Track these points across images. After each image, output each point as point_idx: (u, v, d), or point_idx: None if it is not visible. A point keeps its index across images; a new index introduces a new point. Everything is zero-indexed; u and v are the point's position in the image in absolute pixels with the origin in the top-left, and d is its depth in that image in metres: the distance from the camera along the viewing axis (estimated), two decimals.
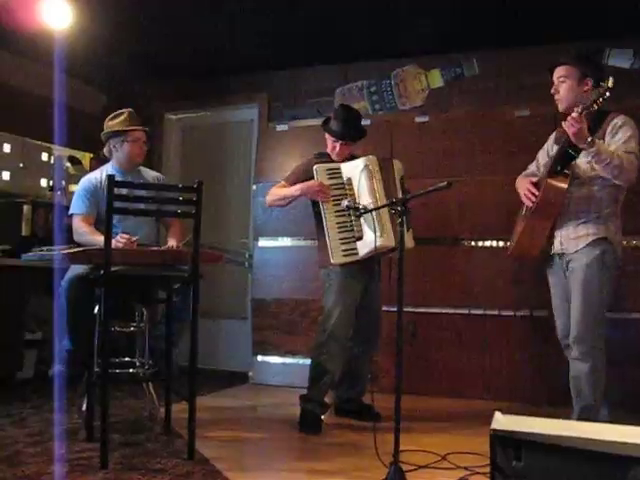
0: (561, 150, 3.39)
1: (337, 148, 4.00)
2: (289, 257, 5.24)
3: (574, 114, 3.12)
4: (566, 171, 3.34)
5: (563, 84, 3.39)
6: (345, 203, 3.63)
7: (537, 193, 3.42)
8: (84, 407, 3.59)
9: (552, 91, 3.43)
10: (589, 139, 3.13)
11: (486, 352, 4.72)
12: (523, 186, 3.56)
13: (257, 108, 5.83)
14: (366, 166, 3.76)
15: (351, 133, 4.01)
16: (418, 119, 5.10)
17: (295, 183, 3.94)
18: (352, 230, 3.76)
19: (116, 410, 4.07)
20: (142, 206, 3.45)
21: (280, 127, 5.46)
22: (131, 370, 3.89)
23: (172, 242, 3.90)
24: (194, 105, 6.07)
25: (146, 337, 3.87)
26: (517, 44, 4.83)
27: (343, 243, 3.74)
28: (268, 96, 5.74)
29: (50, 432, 3.55)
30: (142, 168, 4.14)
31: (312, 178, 3.84)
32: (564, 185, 3.31)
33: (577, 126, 3.10)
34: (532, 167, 3.76)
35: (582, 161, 3.33)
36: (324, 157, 4.07)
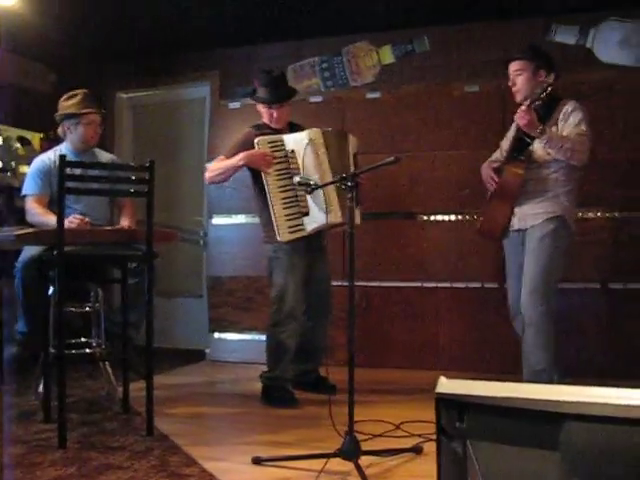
0: (516, 138, 3.65)
1: (274, 114, 3.94)
2: (243, 234, 5.26)
3: (523, 107, 3.44)
4: (522, 157, 3.59)
5: (519, 77, 3.66)
6: (297, 179, 3.57)
7: (497, 179, 3.68)
8: (40, 388, 3.59)
9: (509, 83, 3.70)
10: (539, 128, 3.42)
11: (439, 324, 4.83)
12: (485, 172, 3.83)
13: (209, 86, 5.79)
14: (311, 140, 3.75)
15: (282, 93, 3.96)
16: (369, 95, 5.15)
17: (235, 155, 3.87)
18: (297, 206, 3.74)
19: (73, 390, 4.08)
20: (95, 186, 3.46)
21: (232, 105, 5.47)
22: (87, 350, 3.89)
23: (125, 222, 3.90)
24: (145, 83, 6.01)
25: (102, 317, 3.87)
26: (467, 20, 4.89)
27: (289, 219, 3.73)
28: (220, 73, 5.70)
29: (6, 414, 3.56)
30: (96, 150, 4.12)
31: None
32: (520, 171, 3.57)
33: (527, 117, 3.41)
34: (496, 154, 3.96)
35: (538, 147, 3.56)
36: (263, 129, 3.99)
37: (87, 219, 3.68)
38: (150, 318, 3.25)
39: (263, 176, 3.77)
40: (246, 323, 5.27)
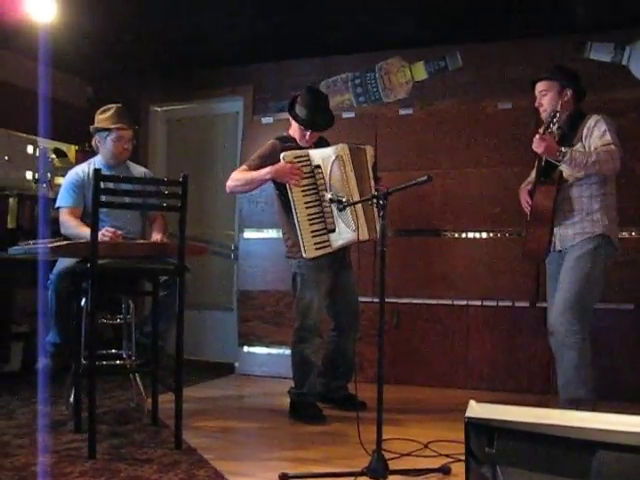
0: (540, 162, 3.63)
1: (307, 137, 3.94)
2: (274, 248, 5.25)
3: (537, 135, 3.45)
4: (550, 179, 3.58)
5: (545, 97, 3.66)
6: (328, 196, 3.60)
7: (530, 202, 3.67)
8: (71, 399, 3.63)
9: (536, 104, 3.70)
10: (559, 151, 3.42)
11: (469, 342, 4.80)
12: (521, 195, 3.82)
13: (242, 100, 5.84)
14: (338, 156, 3.74)
15: (323, 121, 3.95)
16: (402, 111, 5.15)
17: (259, 169, 3.85)
18: (324, 222, 3.74)
19: (103, 402, 4.12)
20: (128, 200, 3.50)
21: (265, 120, 5.50)
22: (118, 362, 3.93)
23: (157, 236, 3.95)
24: (180, 97, 6.07)
25: (133, 329, 3.91)
26: (500, 37, 4.89)
27: (315, 235, 3.73)
28: (253, 88, 5.75)
29: (38, 424, 3.60)
30: (130, 163, 4.18)
31: (276, 162, 3.79)
32: (549, 194, 3.57)
33: (543, 145, 3.42)
34: (532, 174, 3.88)
35: (565, 166, 3.53)
36: (289, 142, 3.98)
37: (120, 232, 3.72)
38: (180, 330, 3.27)
39: (289, 191, 3.76)
40: (275, 337, 5.28)
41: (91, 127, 4.00)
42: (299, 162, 3.77)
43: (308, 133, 3.93)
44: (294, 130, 4.00)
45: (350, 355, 4.11)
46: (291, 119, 4.00)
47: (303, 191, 3.75)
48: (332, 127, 4.03)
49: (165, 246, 3.61)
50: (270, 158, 3.85)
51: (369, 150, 3.97)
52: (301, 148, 3.91)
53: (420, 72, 5.26)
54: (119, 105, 4.01)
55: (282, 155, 3.77)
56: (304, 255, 3.73)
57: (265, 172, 3.81)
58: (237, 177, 3.91)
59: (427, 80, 5.21)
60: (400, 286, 4.88)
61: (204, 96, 5.99)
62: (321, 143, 4.02)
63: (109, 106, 4.00)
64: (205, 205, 5.95)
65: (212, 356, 5.77)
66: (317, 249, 3.73)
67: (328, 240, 3.74)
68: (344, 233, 3.69)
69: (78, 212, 3.93)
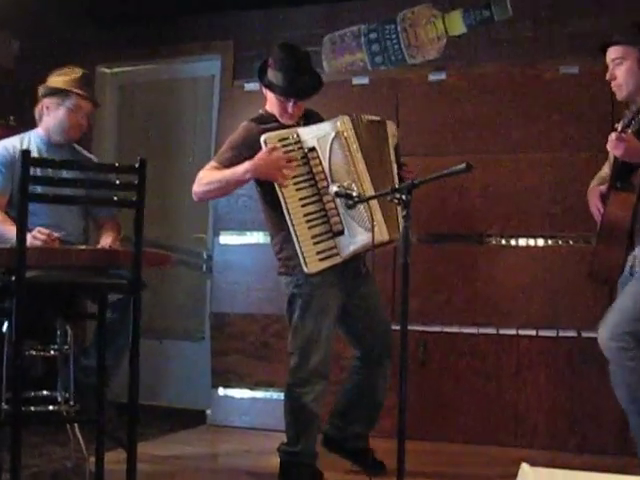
0: (616, 164, 3.58)
1: (289, 109, 3.91)
2: (260, 257, 5.26)
3: (613, 134, 3.37)
4: (628, 185, 3.54)
5: (620, 67, 3.57)
6: (334, 189, 3.53)
7: (602, 210, 3.67)
8: None
9: (607, 77, 3.63)
10: None
11: (519, 385, 4.79)
12: (591, 199, 3.81)
13: (219, 60, 5.85)
14: (338, 133, 3.73)
15: (305, 85, 3.92)
16: (432, 77, 5.16)
17: (234, 164, 3.82)
18: (327, 222, 3.73)
19: (31, 460, 4.11)
20: (68, 192, 3.50)
21: (249, 86, 5.49)
22: (51, 407, 3.93)
23: (106, 240, 3.96)
24: (136, 56, 6.09)
25: (71, 363, 3.91)
26: None
27: (318, 242, 3.72)
28: (234, 44, 5.77)
29: None
30: (77, 147, 4.22)
31: (255, 153, 3.75)
32: (626, 203, 3.55)
33: (622, 147, 3.36)
34: (605, 169, 3.87)
35: None
36: (269, 121, 3.96)
37: (56, 234, 3.73)
38: (135, 366, 3.28)
39: (276, 185, 3.75)
40: (261, 377, 5.28)
41: (41, 87, 4.06)
42: (286, 146, 3.76)
43: (290, 104, 3.90)
44: (271, 103, 3.99)
45: (379, 396, 4.08)
46: (265, 90, 3.99)
47: (296, 184, 3.73)
48: (323, 94, 4.01)
49: (115, 254, 3.61)
50: (247, 148, 3.83)
51: (390, 126, 3.97)
52: (286, 127, 3.90)
53: (456, 24, 5.28)
54: (86, 71, 4.09)
55: (263, 138, 3.75)
56: (305, 270, 3.72)
57: (242, 170, 3.77)
58: (205, 180, 3.88)
59: (466, 35, 5.22)
60: (428, 309, 4.90)
61: (168, 54, 5.99)
62: (312, 118, 4.02)
63: (74, 69, 4.07)
64: (169, 200, 5.96)
65: (177, 401, 5.77)
66: (321, 259, 3.72)
67: (335, 246, 3.73)
68: (357, 234, 3.68)
69: (3, 200, 3.95)
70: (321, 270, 3.73)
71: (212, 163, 3.93)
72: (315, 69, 4.07)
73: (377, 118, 3.94)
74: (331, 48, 5.51)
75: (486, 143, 4.97)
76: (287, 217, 3.72)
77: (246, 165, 3.75)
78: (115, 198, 3.54)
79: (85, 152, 4.33)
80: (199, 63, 6.02)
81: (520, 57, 5.06)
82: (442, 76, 5.14)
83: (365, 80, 5.28)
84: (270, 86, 3.93)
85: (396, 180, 3.86)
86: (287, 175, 3.72)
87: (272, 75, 3.91)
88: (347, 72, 5.32)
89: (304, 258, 3.70)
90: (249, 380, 5.34)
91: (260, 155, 3.73)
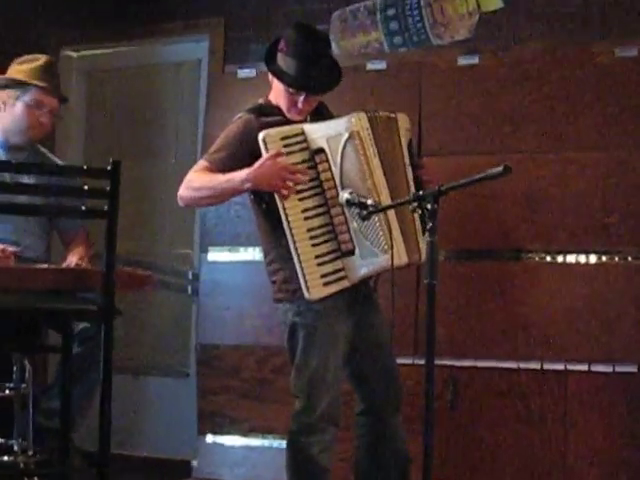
0: None
1: (299, 103, 3.87)
2: (256, 278, 5.22)
3: None
4: None
5: None
6: (345, 196, 3.56)
7: None
8: None
9: None
10: None
11: (568, 431, 4.78)
12: None
13: (207, 42, 5.87)
14: (353, 133, 3.68)
15: (321, 77, 3.89)
16: (462, 60, 5.15)
17: (231, 168, 3.76)
18: (334, 240, 3.70)
19: None
20: (27, 200, 3.50)
21: (243, 72, 5.51)
22: (6, 458, 3.91)
23: (73, 257, 3.95)
24: (107, 36, 6.11)
25: (30, 405, 3.90)
26: None
27: (323, 263, 3.68)
28: (225, 23, 5.78)
29: None
30: (42, 149, 4.23)
31: (256, 152, 3.70)
32: None
33: None
34: None
35: None
36: (270, 113, 3.93)
37: (11, 250, 3.73)
38: (106, 409, 3.27)
39: (275, 195, 3.70)
40: (257, 421, 5.27)
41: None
42: (289, 146, 3.73)
43: (301, 98, 3.86)
44: (277, 94, 3.96)
45: (402, 450, 4.05)
46: (272, 77, 3.97)
47: (299, 192, 3.69)
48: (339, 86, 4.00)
49: (83, 274, 3.61)
50: (244, 146, 3.81)
51: (402, 120, 3.95)
52: (290, 123, 3.87)
53: None
54: (50, 58, 4.08)
55: (261, 136, 3.70)
56: (306, 295, 3.69)
57: (240, 180, 3.72)
58: (196, 184, 3.84)
59: (502, 11, 5.22)
60: (458, 340, 4.88)
61: (145, 34, 6.02)
62: (321, 113, 4.02)
63: (36, 56, 4.10)
64: (147, 208, 5.97)
65: (157, 449, 5.77)
66: (326, 284, 3.69)
67: (343, 268, 3.71)
68: (369, 255, 3.67)
69: None
70: (326, 296, 3.71)
71: (203, 162, 3.88)
72: (336, 61, 4.01)
73: (391, 114, 3.91)
74: (341, 27, 5.51)
75: (526, 140, 4.95)
76: (287, 232, 3.68)
77: (244, 174, 3.70)
78: (83, 207, 3.50)
79: (52, 156, 4.34)
80: (182, 45, 6.03)
81: (568, 37, 5.06)
82: (474, 60, 5.13)
83: (382, 65, 5.28)
84: (279, 74, 3.89)
85: (412, 187, 3.86)
86: (292, 186, 3.66)
87: (282, 61, 3.87)
88: (360, 55, 5.33)
89: (306, 282, 3.66)
90: (243, 425, 5.33)
91: (262, 162, 3.67)
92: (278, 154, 3.65)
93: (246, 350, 5.32)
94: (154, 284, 3.95)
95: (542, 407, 4.81)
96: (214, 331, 5.44)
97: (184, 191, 3.87)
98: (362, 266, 3.69)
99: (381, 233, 3.63)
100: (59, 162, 4.39)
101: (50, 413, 3.84)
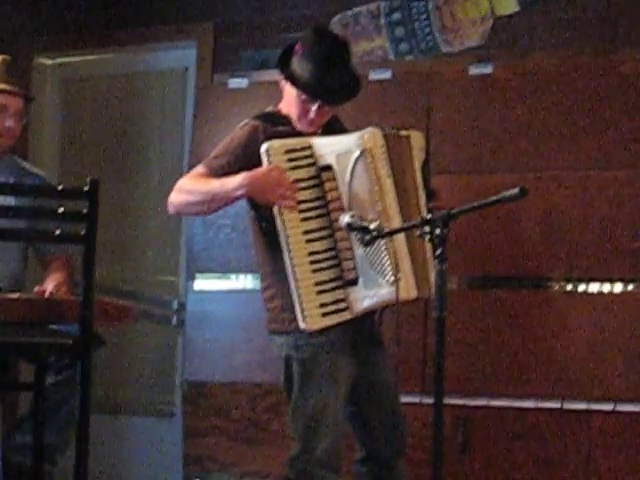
0: None
1: (312, 113, 3.85)
2: (248, 308, 5.24)
3: None
4: None
5: None
6: (346, 219, 3.53)
7: None
8: None
9: None
10: None
11: (591, 476, 4.77)
12: None
13: (195, 48, 5.89)
14: (365, 151, 3.67)
15: (340, 88, 3.87)
16: (474, 69, 5.16)
17: (228, 173, 3.79)
18: (337, 266, 3.69)
19: None
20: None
21: (234, 82, 5.52)
22: None
23: (49, 284, 3.96)
24: (85, 42, 6.12)
25: None
26: None
27: (323, 291, 3.68)
28: (214, 28, 5.80)
29: None
30: (17, 159, 4.26)
31: (258, 162, 3.70)
32: None
33: None
34: None
35: None
36: (280, 122, 3.92)
37: None
38: (83, 451, 3.27)
39: (276, 213, 3.70)
40: (250, 465, 5.26)
41: None
42: (293, 160, 3.73)
43: (314, 108, 3.85)
44: (289, 102, 3.95)
45: None
46: (284, 82, 3.94)
47: (301, 212, 3.69)
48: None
49: (58, 304, 3.62)
50: (249, 154, 3.80)
51: (415, 139, 3.95)
52: (299, 135, 3.87)
53: (506, 1, 5.30)
54: (6, 57, 4.10)
55: (263, 148, 3.70)
56: (301, 325, 3.67)
57: (235, 185, 3.72)
58: (188, 187, 3.85)
59: (518, 15, 5.25)
60: (470, 376, 4.88)
61: (127, 40, 6.04)
62: (333, 129, 4.00)
63: None
64: (129, 232, 5.97)
65: None
66: (325, 314, 3.68)
67: (344, 299, 3.70)
68: (374, 286, 3.65)
69: None
70: (323, 328, 3.70)
71: (200, 168, 3.88)
72: (355, 68, 4.00)
73: (403, 132, 3.91)
74: (341, 32, 5.51)
75: (545, 157, 4.96)
76: (285, 254, 3.67)
77: (240, 179, 3.70)
78: (58, 231, 3.49)
79: (30, 166, 4.35)
80: (168, 52, 6.05)
81: (589, 44, 5.08)
82: (487, 69, 5.14)
83: (386, 74, 5.28)
84: (292, 78, 3.86)
85: (424, 211, 3.85)
86: (292, 199, 3.66)
87: (297, 64, 3.85)
88: (363, 64, 5.33)
89: (302, 310, 3.65)
90: (234, 470, 5.32)
91: (260, 169, 3.69)
92: (279, 169, 3.67)
93: (237, 388, 5.31)
94: (135, 316, 3.94)
95: (562, 451, 4.81)
96: (202, 366, 5.43)
97: (175, 195, 3.87)
98: (365, 298, 3.68)
99: (388, 262, 3.61)
100: (40, 173, 4.40)
101: (21, 449, 3.83)
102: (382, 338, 4.07)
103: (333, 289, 3.70)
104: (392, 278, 3.58)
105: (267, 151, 3.69)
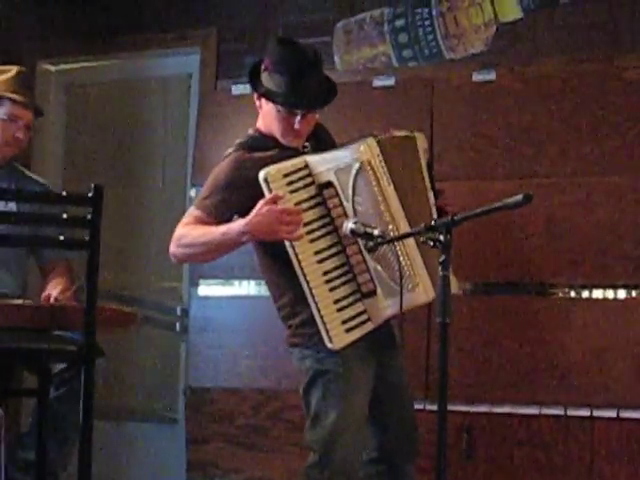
0: None
1: (296, 124, 3.78)
2: (252, 314, 5.26)
3: None
4: None
5: None
6: (349, 225, 3.52)
7: None
8: None
9: None
10: None
11: None
12: None
13: (198, 54, 5.90)
14: (364, 164, 3.65)
15: (317, 92, 3.83)
16: (478, 76, 5.17)
17: (223, 211, 3.76)
18: (353, 280, 3.66)
19: None
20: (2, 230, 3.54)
21: (238, 88, 5.52)
22: None
23: (53, 291, 3.97)
24: (89, 48, 6.14)
25: (2, 456, 3.91)
26: None
27: (343, 307, 3.63)
28: (218, 33, 5.80)
29: None
30: (20, 168, 4.29)
31: (254, 193, 3.63)
32: None
33: None
34: None
35: None
36: (264, 145, 3.87)
37: None
38: (86, 458, 3.29)
39: (287, 245, 3.63)
40: (253, 471, 5.25)
41: None
42: (292, 183, 3.67)
43: (297, 118, 3.79)
44: (269, 120, 3.89)
45: None
46: (259, 102, 3.91)
47: (309, 233, 3.63)
48: (334, 101, 3.94)
49: (61, 310, 3.63)
50: (238, 188, 3.76)
51: (420, 140, 3.95)
52: (287, 153, 3.79)
53: (510, 7, 5.31)
54: (22, 69, 4.13)
55: (261, 176, 3.62)
56: (329, 346, 3.63)
57: (237, 232, 3.65)
58: (187, 240, 3.80)
59: (521, 22, 5.25)
60: (474, 383, 4.89)
61: (130, 46, 6.03)
62: (320, 137, 3.99)
63: (7, 67, 4.12)
64: (132, 238, 5.98)
65: None
66: (349, 330, 3.65)
67: (365, 310, 3.68)
68: (393, 294, 3.63)
69: None
70: (350, 343, 3.66)
71: (193, 211, 3.85)
72: (326, 75, 3.96)
73: (405, 133, 3.91)
74: (345, 39, 5.52)
75: (548, 164, 4.97)
76: (301, 278, 3.62)
77: (241, 226, 3.63)
78: (62, 237, 3.52)
79: (31, 174, 4.37)
80: (172, 58, 6.04)
81: (593, 51, 5.08)
82: (490, 76, 5.15)
83: (390, 81, 5.29)
84: (268, 95, 3.82)
85: (434, 213, 3.84)
86: (296, 232, 3.57)
87: (269, 80, 3.81)
88: (366, 70, 5.35)
89: (327, 330, 3.61)
90: (237, 476, 5.32)
91: (257, 210, 3.58)
92: (275, 198, 3.58)
93: (240, 394, 5.31)
94: (139, 321, 3.95)
95: (566, 457, 4.81)
96: (205, 373, 5.44)
97: (176, 249, 3.82)
98: (387, 307, 3.68)
99: (404, 269, 3.61)
100: (40, 180, 4.42)
101: (25, 465, 3.84)
102: (399, 343, 4.04)
103: (352, 303, 3.67)
104: (410, 285, 3.60)
105: (265, 180, 3.61)
